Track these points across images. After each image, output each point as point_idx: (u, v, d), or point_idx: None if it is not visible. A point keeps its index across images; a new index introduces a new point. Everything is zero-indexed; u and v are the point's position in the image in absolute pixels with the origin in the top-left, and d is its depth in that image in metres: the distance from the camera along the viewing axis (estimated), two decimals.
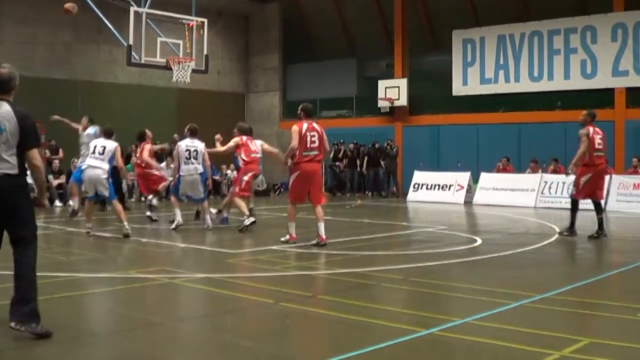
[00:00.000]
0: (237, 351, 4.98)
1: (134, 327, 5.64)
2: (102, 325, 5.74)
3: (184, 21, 18.59)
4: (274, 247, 9.97)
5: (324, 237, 10.10)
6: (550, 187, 18.52)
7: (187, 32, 18.57)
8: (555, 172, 19.27)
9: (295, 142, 10.11)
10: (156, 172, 14.18)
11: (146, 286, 7.20)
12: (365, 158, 23.94)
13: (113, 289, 7.16)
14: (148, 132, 14.22)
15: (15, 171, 5.05)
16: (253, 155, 12.63)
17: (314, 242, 10.14)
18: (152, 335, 5.43)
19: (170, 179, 13.58)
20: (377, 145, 23.85)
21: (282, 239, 10.37)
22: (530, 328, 5.44)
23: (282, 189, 23.69)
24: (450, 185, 20.53)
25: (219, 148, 13.36)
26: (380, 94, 24.23)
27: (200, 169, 12.45)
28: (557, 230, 12.18)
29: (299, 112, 10.58)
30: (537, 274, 8.31)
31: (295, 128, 10.27)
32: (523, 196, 18.83)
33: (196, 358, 4.88)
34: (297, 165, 10.23)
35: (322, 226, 10.11)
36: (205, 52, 19.36)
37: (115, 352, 4.92)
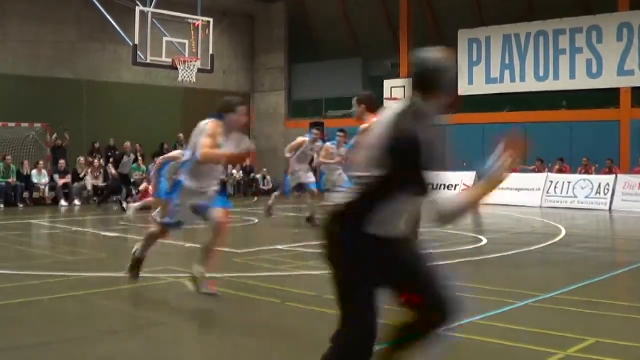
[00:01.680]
0: (242, 351, 4.99)
1: (140, 326, 5.66)
2: (108, 325, 5.76)
3: (189, 21, 18.64)
4: (280, 247, 9.99)
5: None
6: (556, 187, 18.50)
7: (192, 32, 18.61)
8: (560, 171, 19.23)
9: None
10: None
11: (152, 286, 7.22)
12: None
13: (119, 289, 7.17)
14: None
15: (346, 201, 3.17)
16: None
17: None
18: (158, 334, 5.45)
19: None
20: None
21: None
22: (535, 328, 5.44)
23: None
24: (456, 185, 20.50)
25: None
26: (386, 94, 24.20)
27: None
28: None
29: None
30: (543, 273, 8.31)
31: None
32: (529, 196, 18.80)
33: (202, 358, 4.90)
34: None
35: None
36: (211, 52, 19.39)
37: (120, 351, 4.93)
